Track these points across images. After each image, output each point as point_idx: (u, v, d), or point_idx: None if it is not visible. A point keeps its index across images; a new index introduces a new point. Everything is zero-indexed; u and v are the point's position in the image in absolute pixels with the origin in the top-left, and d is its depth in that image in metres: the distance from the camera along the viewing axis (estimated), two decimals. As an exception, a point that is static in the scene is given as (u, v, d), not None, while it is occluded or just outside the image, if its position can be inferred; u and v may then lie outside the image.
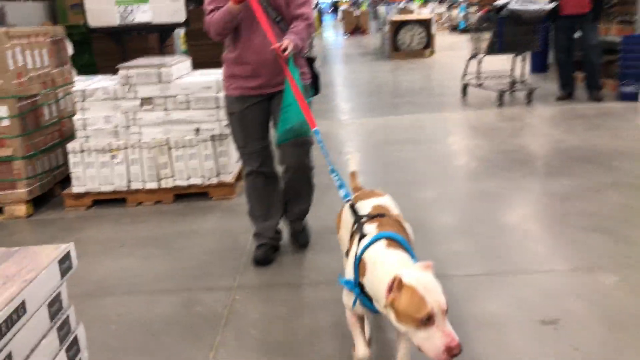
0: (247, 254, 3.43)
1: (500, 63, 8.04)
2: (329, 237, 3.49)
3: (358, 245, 2.00)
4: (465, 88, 8.03)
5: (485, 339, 2.42)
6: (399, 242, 1.94)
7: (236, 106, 3.10)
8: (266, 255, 3.32)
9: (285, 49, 2.77)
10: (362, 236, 2.02)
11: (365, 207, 2.26)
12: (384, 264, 1.84)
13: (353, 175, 2.69)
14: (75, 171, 4.42)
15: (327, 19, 33.89)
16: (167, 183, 4.46)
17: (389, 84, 9.88)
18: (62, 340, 1.57)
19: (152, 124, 4.40)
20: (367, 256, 1.92)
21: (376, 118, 7.10)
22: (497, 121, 6.56)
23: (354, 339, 2.14)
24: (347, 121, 7.12)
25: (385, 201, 2.34)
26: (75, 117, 4.40)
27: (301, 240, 3.48)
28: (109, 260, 3.50)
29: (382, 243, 1.92)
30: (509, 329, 2.49)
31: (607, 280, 2.85)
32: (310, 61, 3.23)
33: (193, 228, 3.96)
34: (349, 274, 2.03)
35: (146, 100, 4.36)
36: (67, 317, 1.62)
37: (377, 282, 1.83)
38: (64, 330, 1.59)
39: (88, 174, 4.41)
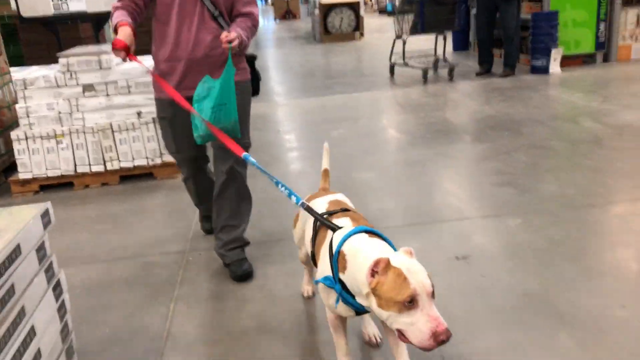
0: (195, 224, 3.71)
1: (425, 43, 8.54)
2: (271, 204, 3.83)
3: (332, 239, 1.86)
4: (392, 68, 8.49)
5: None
6: (379, 236, 1.84)
7: (168, 110, 2.88)
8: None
9: (230, 40, 2.58)
10: (334, 229, 1.90)
11: (320, 204, 2.17)
12: (367, 253, 1.71)
13: (325, 173, 2.55)
14: (21, 158, 4.54)
15: (258, 4, 33.86)
16: (112, 165, 4.65)
17: (321, 67, 10.23)
18: (48, 280, 1.84)
19: (94, 109, 4.57)
20: (346, 248, 1.78)
21: (310, 98, 7.44)
22: (421, 97, 7.05)
23: (336, 344, 2.03)
24: (282, 102, 7.43)
25: (341, 197, 2.25)
26: (17, 106, 4.51)
27: (239, 270, 2.94)
28: (63, 236, 3.70)
29: (363, 235, 1.81)
30: (428, 265, 2.89)
31: (512, 223, 3.33)
32: (252, 59, 3.02)
33: (141, 205, 4.20)
34: (325, 271, 1.87)
35: (88, 87, 4.53)
36: (51, 262, 1.89)
37: (359, 272, 1.69)
38: (50, 273, 1.86)
39: (34, 160, 4.54)
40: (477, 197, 3.79)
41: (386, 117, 6.26)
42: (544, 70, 7.63)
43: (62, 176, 4.60)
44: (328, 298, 1.91)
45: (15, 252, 1.62)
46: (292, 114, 6.80)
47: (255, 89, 3.05)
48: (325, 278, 1.83)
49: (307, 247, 2.18)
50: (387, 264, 1.60)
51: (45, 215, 1.86)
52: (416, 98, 7.02)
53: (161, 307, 2.75)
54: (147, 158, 4.68)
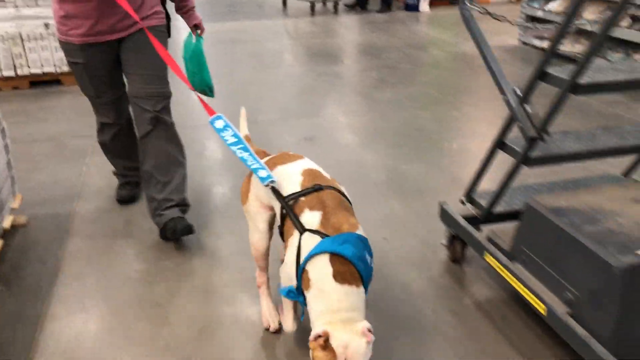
0: (101, 119, 4.48)
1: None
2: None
3: (299, 245, 1.72)
4: (285, 0, 9.28)
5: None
6: (349, 261, 1.64)
7: (79, 55, 2.56)
8: (131, 193, 3.15)
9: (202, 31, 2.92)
10: (302, 231, 1.72)
11: (291, 174, 1.90)
12: (329, 302, 1.61)
13: (247, 139, 2.24)
14: None
15: None
16: (22, 71, 5.24)
17: (220, -4, 10.81)
18: (-1, 123, 2.65)
19: (4, 19, 5.11)
20: (311, 272, 1.66)
21: (208, 24, 8.09)
22: (307, 26, 7.95)
23: (283, 312, 1.98)
24: (181, 26, 8.04)
25: (310, 164, 2.00)
26: None
27: (178, 227, 2.61)
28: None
29: (328, 266, 1.63)
30: (285, 143, 3.92)
31: (348, 118, 4.41)
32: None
33: (52, 104, 4.88)
34: (290, 271, 1.75)
35: (-2, -2, 5.05)
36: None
37: (315, 314, 1.64)
38: (-1, 118, 2.66)
39: (-52, 63, 5.05)
40: (330, 102, 4.83)
41: (273, 42, 7.13)
42: (415, 8, 8.73)
43: (-24, 79, 5.14)
44: (286, 280, 1.81)
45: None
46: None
47: (168, 31, 2.85)
48: (289, 291, 1.75)
49: (258, 221, 2.02)
50: (326, 341, 1.55)
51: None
52: (302, 27, 7.92)
53: (76, 168, 3.58)
54: (55, 66, 5.29)
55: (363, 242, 1.70)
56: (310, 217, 1.74)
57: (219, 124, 1.99)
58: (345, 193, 1.91)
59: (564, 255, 1.84)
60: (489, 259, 2.17)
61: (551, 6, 6.01)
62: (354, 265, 1.64)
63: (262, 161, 1.94)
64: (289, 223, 1.81)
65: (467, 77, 5.47)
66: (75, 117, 4.56)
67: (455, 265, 2.53)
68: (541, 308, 1.88)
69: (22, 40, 5.16)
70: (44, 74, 5.31)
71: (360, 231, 1.74)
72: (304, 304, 1.72)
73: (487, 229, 2.35)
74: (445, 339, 2.11)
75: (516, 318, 2.19)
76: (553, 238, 1.88)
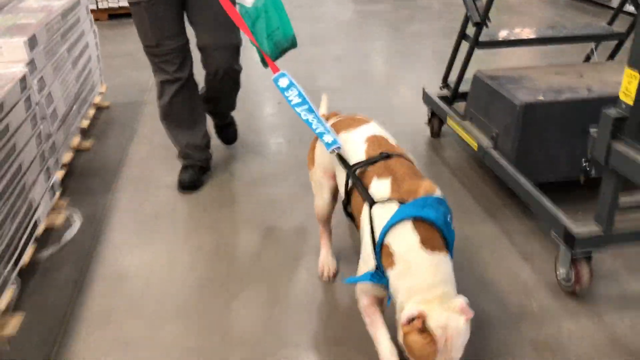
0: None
1: None
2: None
3: (371, 219, 1.55)
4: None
5: (307, 65, 4.57)
6: (434, 226, 1.48)
7: None
8: (193, 178, 2.83)
9: None
10: (372, 202, 1.57)
11: (355, 140, 1.78)
12: (420, 276, 1.44)
13: (329, 116, 2.11)
14: (33, -6, 5.99)
15: None
16: (102, 5, 6.16)
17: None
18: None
19: (88, -41, 6.00)
20: (394, 245, 1.48)
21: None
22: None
23: (375, 337, 1.67)
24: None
25: (379, 129, 1.86)
26: (29, -48, 5.90)
27: (228, 135, 3.19)
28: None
29: (413, 234, 1.46)
30: (321, 59, 4.64)
31: (378, 45, 5.07)
32: None
33: (126, 31, 5.78)
34: (366, 258, 1.58)
35: (83, -60, 5.93)
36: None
37: (403, 293, 1.45)
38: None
39: (43, -4, 6.00)
40: (362, 32, 5.51)
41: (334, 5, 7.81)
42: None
43: (65, 11, 6.08)
44: (365, 290, 1.65)
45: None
46: None
47: None
48: (373, 275, 1.54)
49: (325, 188, 1.97)
50: (424, 324, 1.37)
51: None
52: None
53: (146, 73, 4.36)
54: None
55: (442, 203, 1.53)
56: (380, 186, 1.60)
57: (283, 82, 1.83)
58: (414, 162, 1.74)
59: (492, 107, 2.50)
60: (450, 122, 2.85)
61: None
62: (439, 229, 1.48)
63: (328, 124, 1.80)
64: (356, 197, 1.67)
65: (493, 14, 5.96)
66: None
67: (434, 139, 3.23)
68: (474, 145, 2.57)
69: (102, -23, 6.06)
70: (120, 7, 6.20)
71: (437, 193, 1.56)
72: (388, 285, 1.52)
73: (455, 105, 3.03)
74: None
75: (470, 170, 2.88)
76: (487, 96, 2.54)
